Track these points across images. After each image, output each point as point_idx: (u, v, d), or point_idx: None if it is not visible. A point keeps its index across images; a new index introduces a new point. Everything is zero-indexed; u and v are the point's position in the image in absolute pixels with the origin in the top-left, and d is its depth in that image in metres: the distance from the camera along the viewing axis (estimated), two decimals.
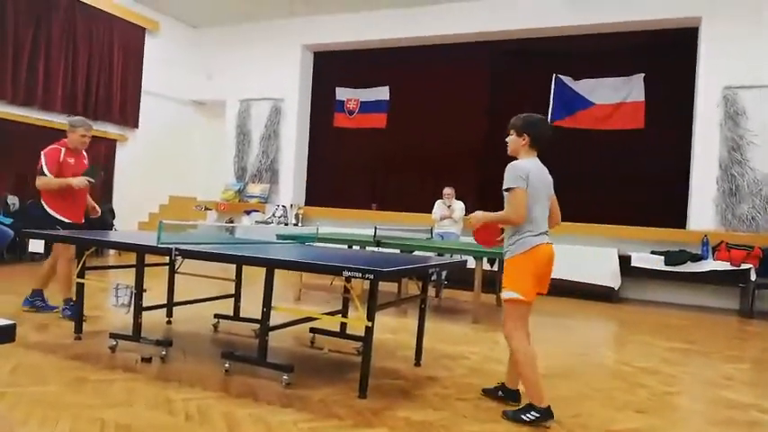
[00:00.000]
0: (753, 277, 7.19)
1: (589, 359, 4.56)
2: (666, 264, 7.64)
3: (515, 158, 3.15)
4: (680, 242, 7.88)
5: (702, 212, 8.04)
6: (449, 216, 7.94)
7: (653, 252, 7.88)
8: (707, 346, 5.40)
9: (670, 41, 8.57)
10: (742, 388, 3.96)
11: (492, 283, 6.87)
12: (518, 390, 3.26)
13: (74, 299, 4.67)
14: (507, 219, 3.03)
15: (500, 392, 3.30)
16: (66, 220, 4.80)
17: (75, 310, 4.60)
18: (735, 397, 3.70)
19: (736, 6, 7.95)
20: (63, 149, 4.83)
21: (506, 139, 3.20)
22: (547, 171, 3.16)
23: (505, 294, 3.06)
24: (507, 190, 3.01)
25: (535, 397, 2.99)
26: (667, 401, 3.62)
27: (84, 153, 5.09)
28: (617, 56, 8.89)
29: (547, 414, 2.97)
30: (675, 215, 8.35)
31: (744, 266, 7.23)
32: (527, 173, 3.00)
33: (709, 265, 7.45)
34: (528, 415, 2.97)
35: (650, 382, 3.92)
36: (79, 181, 4.71)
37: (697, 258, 7.53)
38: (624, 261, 7.86)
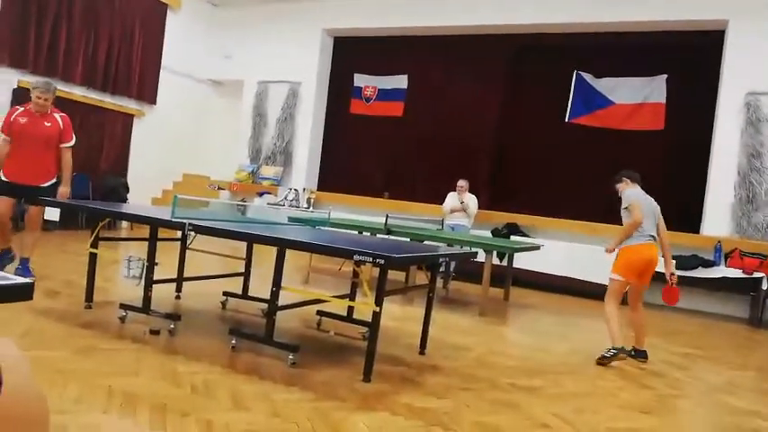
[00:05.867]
0: (764, 286, 7.10)
1: (595, 357, 4.55)
2: (677, 268, 7.56)
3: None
4: (692, 247, 7.80)
5: (717, 218, 7.94)
6: (460, 209, 7.91)
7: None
8: (714, 353, 5.37)
9: (695, 43, 8.43)
10: (747, 395, 3.94)
11: (501, 277, 6.84)
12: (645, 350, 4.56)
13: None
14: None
15: (632, 352, 4.53)
16: (3, 178, 4.86)
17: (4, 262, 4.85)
18: (739, 404, 3.68)
19: (765, 11, 7.81)
20: (19, 109, 4.93)
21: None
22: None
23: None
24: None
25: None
26: (671, 404, 3.61)
27: (58, 118, 4.94)
28: (640, 55, 8.76)
29: (621, 350, 4.31)
30: (689, 219, 8.25)
31: (756, 275, 7.15)
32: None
33: (721, 271, 7.37)
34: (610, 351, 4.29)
35: (655, 384, 3.91)
36: None
37: (709, 264, 7.46)
38: None
